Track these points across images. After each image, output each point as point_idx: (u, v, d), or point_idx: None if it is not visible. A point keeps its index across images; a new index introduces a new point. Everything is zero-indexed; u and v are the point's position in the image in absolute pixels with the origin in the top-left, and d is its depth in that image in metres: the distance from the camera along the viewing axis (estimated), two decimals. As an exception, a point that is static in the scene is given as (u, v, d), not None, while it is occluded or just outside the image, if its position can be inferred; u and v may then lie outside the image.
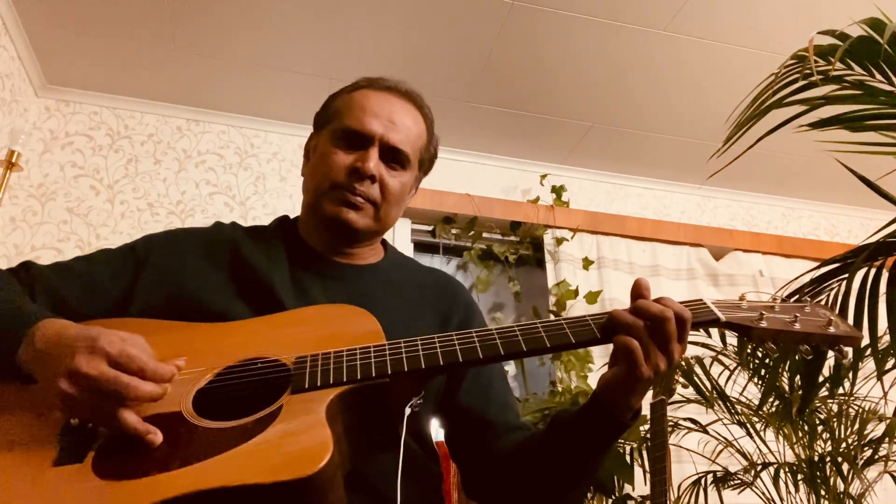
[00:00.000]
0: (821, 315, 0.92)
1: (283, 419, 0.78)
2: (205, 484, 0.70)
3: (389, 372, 0.83)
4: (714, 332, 2.02)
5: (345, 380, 0.82)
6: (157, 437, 0.77)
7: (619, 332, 0.84)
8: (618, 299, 2.94)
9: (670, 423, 1.98)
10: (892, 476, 1.88)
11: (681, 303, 0.88)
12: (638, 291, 0.88)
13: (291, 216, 1.21)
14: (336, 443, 0.74)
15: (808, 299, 0.96)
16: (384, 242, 1.21)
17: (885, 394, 1.50)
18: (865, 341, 1.21)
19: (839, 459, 1.86)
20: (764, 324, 0.89)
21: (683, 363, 1.94)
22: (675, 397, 2.06)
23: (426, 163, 1.18)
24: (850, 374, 1.40)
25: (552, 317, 2.83)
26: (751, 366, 1.83)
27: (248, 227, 1.16)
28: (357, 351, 0.85)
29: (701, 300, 0.91)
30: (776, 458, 1.99)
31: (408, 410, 0.85)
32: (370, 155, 1.06)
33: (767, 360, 1.64)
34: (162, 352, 0.86)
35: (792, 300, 0.98)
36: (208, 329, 0.95)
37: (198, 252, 1.07)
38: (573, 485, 0.95)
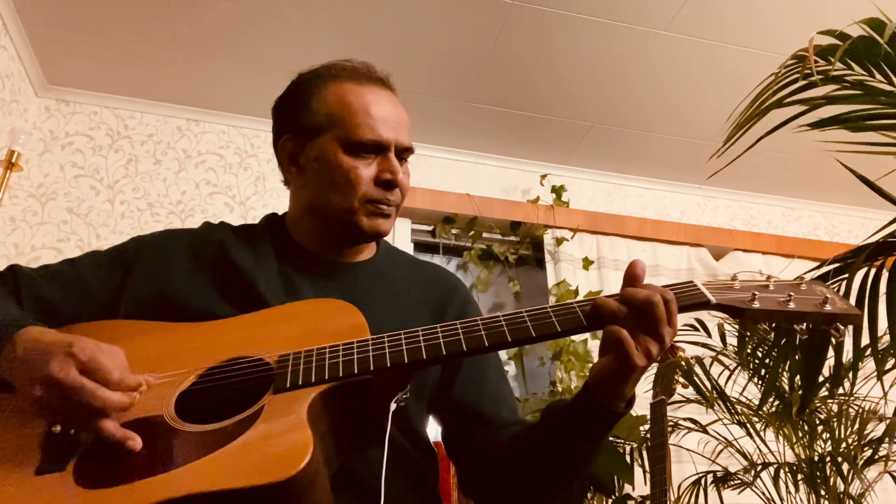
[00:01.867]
0: (817, 292, 0.88)
1: (265, 420, 0.77)
2: (185, 489, 0.70)
3: (372, 368, 0.82)
4: (714, 331, 2.02)
5: (327, 377, 0.81)
6: (137, 442, 0.77)
7: (606, 321, 0.83)
8: (618, 299, 2.94)
9: (670, 423, 1.98)
10: (892, 476, 1.88)
11: (671, 285, 0.87)
12: (631, 277, 0.86)
13: (267, 216, 1.20)
14: (318, 442, 0.73)
15: (804, 276, 0.93)
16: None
17: (885, 394, 1.50)
18: (865, 340, 1.21)
19: (839, 459, 1.86)
20: (756, 304, 0.86)
21: (683, 363, 1.94)
22: (675, 397, 2.06)
23: None
24: (850, 374, 1.40)
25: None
26: (751, 366, 1.84)
27: (236, 226, 1.15)
28: (340, 347, 0.84)
29: (691, 282, 0.89)
30: (776, 458, 1.99)
31: (393, 406, 0.84)
32: (394, 164, 1.05)
33: (767, 361, 1.64)
34: (146, 353, 0.86)
35: (787, 279, 0.95)
36: (192, 329, 0.94)
37: (185, 253, 1.06)
38: (567, 477, 0.94)
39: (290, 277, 1.05)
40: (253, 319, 0.94)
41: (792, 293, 0.87)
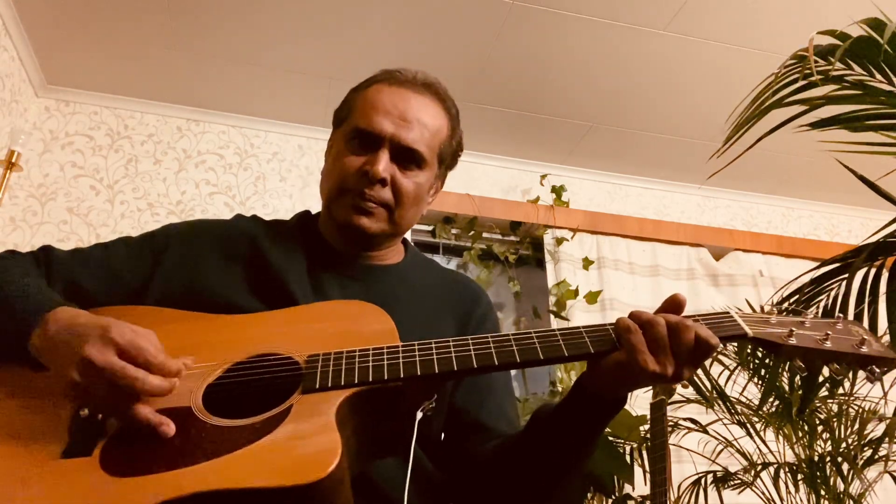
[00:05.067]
0: (853, 333, 0.87)
1: (293, 420, 0.77)
2: (210, 485, 0.70)
3: (402, 376, 0.81)
4: (714, 332, 2.02)
5: (356, 382, 0.80)
6: (171, 428, 0.76)
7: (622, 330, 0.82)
8: (617, 299, 2.94)
9: (670, 423, 1.98)
10: (892, 476, 1.88)
11: (707, 314, 0.86)
12: (668, 306, 0.85)
13: (300, 214, 1.19)
14: (345, 446, 0.73)
15: (841, 315, 0.91)
16: (405, 242, 1.18)
17: (885, 394, 1.51)
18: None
19: (839, 459, 1.86)
20: (793, 341, 0.84)
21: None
22: (675, 397, 2.06)
23: (448, 158, 1.12)
24: (850, 375, 1.40)
25: (552, 317, 2.84)
26: (751, 366, 1.84)
27: (268, 220, 1.15)
28: (370, 352, 0.84)
29: (728, 313, 0.87)
30: (776, 458, 1.99)
31: (419, 415, 0.83)
32: (380, 157, 1.02)
33: (767, 361, 1.64)
34: (174, 342, 0.85)
35: (823, 303, 0.94)
36: (222, 321, 0.94)
37: (216, 244, 1.06)
38: (555, 482, 0.92)
39: (318, 276, 1.04)
40: (282, 316, 0.94)
41: (829, 332, 0.85)
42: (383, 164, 1.02)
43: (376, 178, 1.01)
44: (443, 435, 1.05)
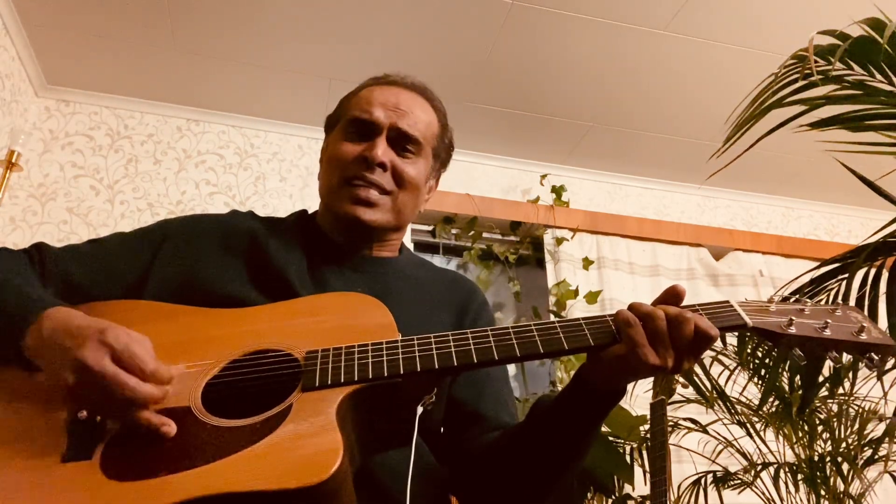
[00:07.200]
0: (853, 320, 0.86)
1: (293, 419, 0.76)
2: (213, 489, 0.70)
3: (402, 372, 0.80)
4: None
5: (356, 379, 0.80)
6: (172, 428, 0.76)
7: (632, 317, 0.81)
8: (617, 299, 2.94)
9: (670, 423, 1.98)
10: (892, 476, 1.88)
11: (706, 304, 0.85)
12: (667, 297, 0.84)
13: (297, 212, 1.20)
14: (346, 445, 0.73)
15: (840, 302, 0.91)
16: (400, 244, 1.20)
17: (885, 394, 1.51)
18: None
19: (839, 459, 1.86)
20: (793, 330, 0.83)
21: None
22: (675, 397, 2.06)
23: (442, 153, 1.17)
24: (850, 374, 1.40)
25: (552, 317, 2.84)
26: (751, 366, 1.84)
27: (264, 216, 1.15)
28: (369, 347, 0.83)
29: (727, 302, 0.86)
30: (776, 458, 1.99)
31: (420, 409, 0.82)
32: (377, 142, 1.06)
33: (767, 361, 1.64)
34: (170, 338, 0.84)
35: (823, 303, 0.93)
36: (219, 316, 0.93)
37: (214, 238, 1.06)
38: (555, 474, 0.92)
39: (317, 268, 1.05)
40: (280, 309, 0.93)
41: (828, 320, 0.84)
42: (381, 149, 1.06)
43: (375, 162, 1.05)
44: (442, 429, 1.05)
